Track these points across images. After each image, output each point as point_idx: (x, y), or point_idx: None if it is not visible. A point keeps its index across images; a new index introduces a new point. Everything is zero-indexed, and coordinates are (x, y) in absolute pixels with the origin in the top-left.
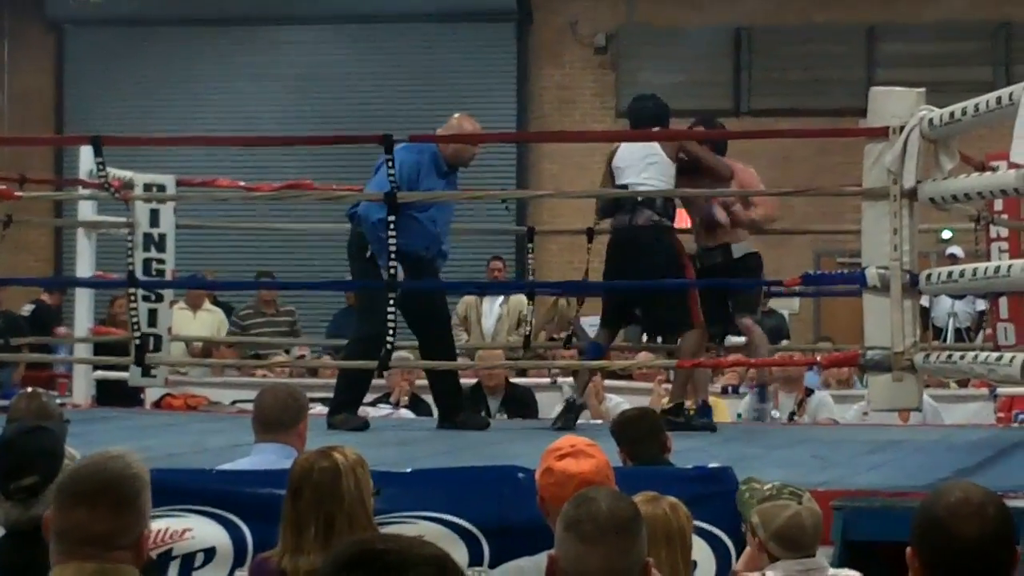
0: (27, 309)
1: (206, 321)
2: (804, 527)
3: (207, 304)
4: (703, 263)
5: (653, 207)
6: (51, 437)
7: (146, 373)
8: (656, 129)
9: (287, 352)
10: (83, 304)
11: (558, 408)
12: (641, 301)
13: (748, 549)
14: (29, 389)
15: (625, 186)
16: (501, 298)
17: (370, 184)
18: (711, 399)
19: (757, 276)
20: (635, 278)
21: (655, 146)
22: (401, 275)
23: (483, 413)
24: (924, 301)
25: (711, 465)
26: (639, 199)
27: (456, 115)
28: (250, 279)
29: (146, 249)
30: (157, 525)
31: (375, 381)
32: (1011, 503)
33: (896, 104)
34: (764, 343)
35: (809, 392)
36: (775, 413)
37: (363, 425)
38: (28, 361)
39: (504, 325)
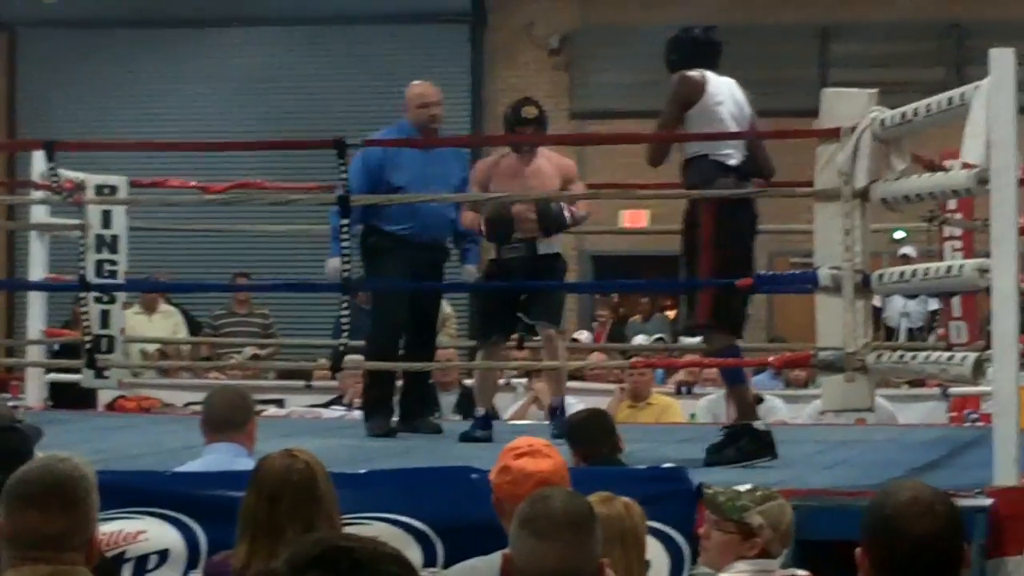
0: None
1: (162, 324)
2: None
3: (163, 306)
4: (499, 255)
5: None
6: (20, 438)
7: (99, 375)
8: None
9: (261, 350)
10: (36, 307)
11: (512, 409)
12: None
13: (713, 542)
14: None
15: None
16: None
17: None
18: (666, 398)
19: (561, 279)
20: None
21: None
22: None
23: (436, 413)
24: (876, 301)
25: (664, 465)
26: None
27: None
28: (208, 280)
29: (98, 251)
30: (111, 527)
31: (329, 383)
32: (960, 502)
33: (847, 105)
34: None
35: (759, 400)
36: None
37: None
38: None
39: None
